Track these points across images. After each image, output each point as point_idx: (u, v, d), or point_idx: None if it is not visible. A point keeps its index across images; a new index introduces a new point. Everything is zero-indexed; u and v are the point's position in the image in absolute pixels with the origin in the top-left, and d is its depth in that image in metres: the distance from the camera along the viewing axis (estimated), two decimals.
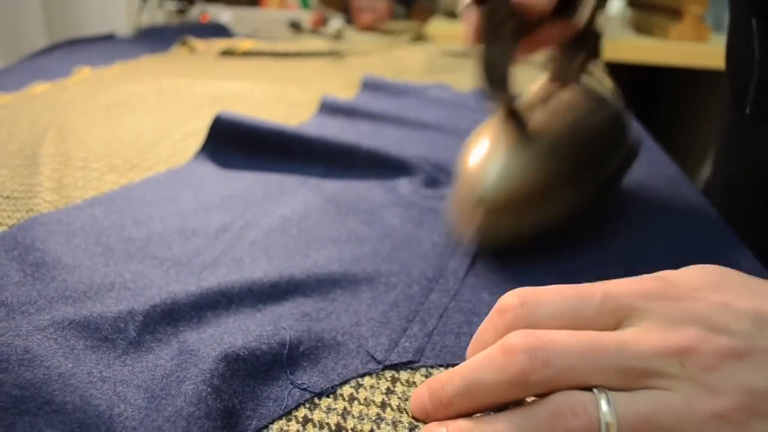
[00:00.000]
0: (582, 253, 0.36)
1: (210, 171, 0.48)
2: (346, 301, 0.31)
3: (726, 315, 0.19)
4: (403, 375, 0.26)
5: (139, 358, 0.25)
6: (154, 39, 1.14)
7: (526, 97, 0.42)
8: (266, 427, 0.23)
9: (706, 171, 0.58)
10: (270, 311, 0.29)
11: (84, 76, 0.82)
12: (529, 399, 0.20)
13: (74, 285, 0.30)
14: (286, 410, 0.23)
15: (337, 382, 0.25)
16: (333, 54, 1.05)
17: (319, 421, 0.23)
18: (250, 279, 0.31)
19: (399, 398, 0.24)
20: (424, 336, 0.28)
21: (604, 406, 0.18)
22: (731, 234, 0.38)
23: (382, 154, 0.48)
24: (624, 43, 1.33)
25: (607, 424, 0.18)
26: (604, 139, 0.39)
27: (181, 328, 0.27)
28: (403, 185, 0.45)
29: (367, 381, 0.25)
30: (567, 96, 0.40)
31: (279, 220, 0.39)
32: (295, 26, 1.38)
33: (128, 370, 0.24)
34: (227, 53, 1.03)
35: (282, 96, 0.74)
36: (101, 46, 1.06)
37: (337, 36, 1.31)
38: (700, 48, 1.28)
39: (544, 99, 0.40)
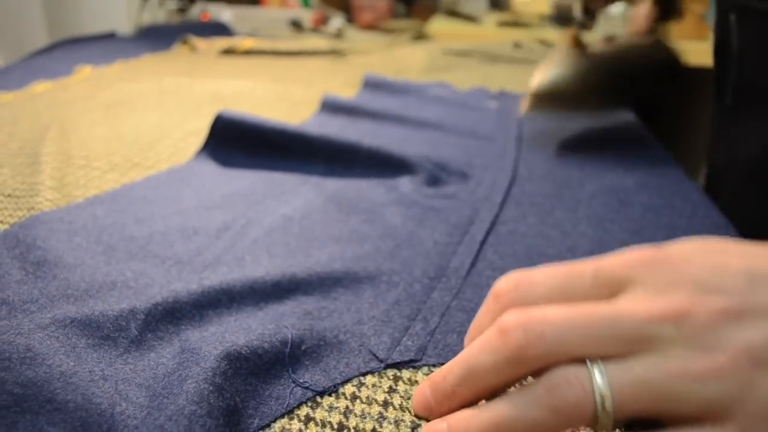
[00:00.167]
0: (583, 255, 0.36)
1: (211, 170, 0.48)
2: (348, 300, 0.31)
3: (718, 275, 0.19)
4: (405, 374, 0.26)
5: (140, 356, 0.25)
6: (155, 38, 1.14)
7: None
8: (268, 425, 0.23)
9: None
10: (272, 310, 0.29)
11: (85, 74, 0.82)
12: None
13: (76, 283, 0.30)
14: (288, 409, 0.23)
15: (339, 381, 0.25)
16: (334, 53, 1.05)
17: (321, 420, 0.23)
18: (251, 278, 0.31)
19: (401, 397, 0.24)
20: (426, 335, 0.28)
21: (597, 377, 0.18)
22: (733, 233, 0.38)
23: (384, 152, 0.48)
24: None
25: (602, 396, 0.18)
26: (641, 67, 0.54)
27: (183, 327, 0.27)
28: (405, 184, 0.45)
29: (369, 380, 0.25)
30: (632, 39, 0.56)
31: (280, 219, 0.39)
32: (296, 25, 1.38)
33: (130, 369, 0.24)
34: (228, 52, 1.03)
35: (283, 95, 0.74)
36: (102, 45, 1.06)
37: (338, 35, 1.31)
38: (701, 47, 1.27)
39: (613, 39, 0.56)
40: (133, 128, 0.58)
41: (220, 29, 1.25)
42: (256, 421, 0.23)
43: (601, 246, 0.37)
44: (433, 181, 0.47)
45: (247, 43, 1.09)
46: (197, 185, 0.44)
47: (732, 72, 0.47)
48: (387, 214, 0.41)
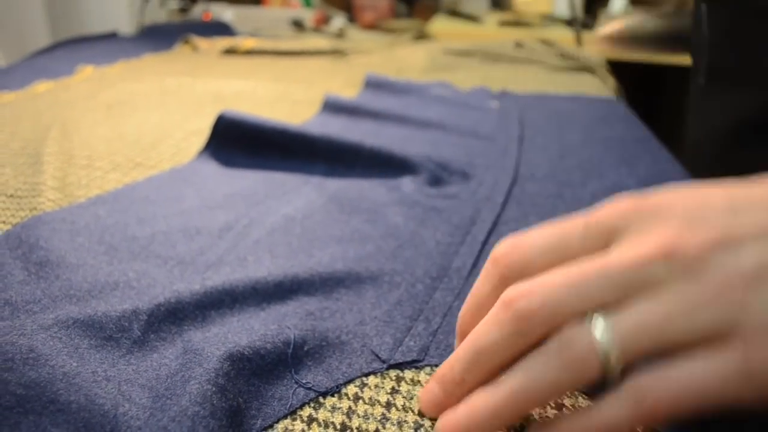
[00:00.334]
0: None
1: (213, 170, 0.48)
2: (350, 300, 0.31)
3: (701, 210, 0.20)
4: (408, 374, 0.26)
5: (143, 357, 0.25)
6: (157, 37, 1.14)
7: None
8: (271, 426, 0.23)
9: None
10: (274, 310, 0.29)
11: (87, 74, 0.82)
12: None
13: (78, 284, 0.30)
14: (291, 409, 0.23)
15: (341, 382, 0.25)
16: (335, 52, 1.05)
17: (323, 421, 0.23)
18: (254, 278, 0.31)
19: (404, 397, 0.24)
20: (429, 335, 0.28)
21: (599, 329, 0.19)
22: None
23: (385, 152, 0.48)
24: None
25: (605, 345, 0.19)
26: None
27: (186, 327, 0.27)
28: (407, 184, 0.45)
29: (372, 380, 0.25)
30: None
31: (282, 219, 0.39)
32: (298, 25, 1.38)
33: (133, 370, 0.24)
34: (230, 52, 1.03)
35: (284, 94, 0.74)
36: (104, 45, 1.06)
37: (340, 34, 1.31)
38: None
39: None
40: (135, 128, 0.58)
41: (221, 29, 1.25)
42: (259, 421, 0.23)
43: None
44: (435, 181, 0.47)
45: (249, 42, 1.09)
46: (199, 185, 0.45)
47: (704, 55, 0.53)
48: (389, 214, 0.41)
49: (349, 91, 0.76)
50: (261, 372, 0.25)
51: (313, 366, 0.26)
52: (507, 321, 0.20)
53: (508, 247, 0.22)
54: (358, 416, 0.23)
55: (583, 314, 0.19)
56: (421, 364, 0.26)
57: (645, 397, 0.19)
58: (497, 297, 0.21)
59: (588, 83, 0.85)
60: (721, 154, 0.54)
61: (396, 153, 0.48)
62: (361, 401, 0.24)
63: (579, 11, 1.45)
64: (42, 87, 0.73)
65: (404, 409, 0.24)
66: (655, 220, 0.20)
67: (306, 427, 0.23)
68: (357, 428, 0.23)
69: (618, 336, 0.19)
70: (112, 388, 0.23)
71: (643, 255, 0.19)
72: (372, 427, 0.23)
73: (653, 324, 0.19)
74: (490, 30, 1.46)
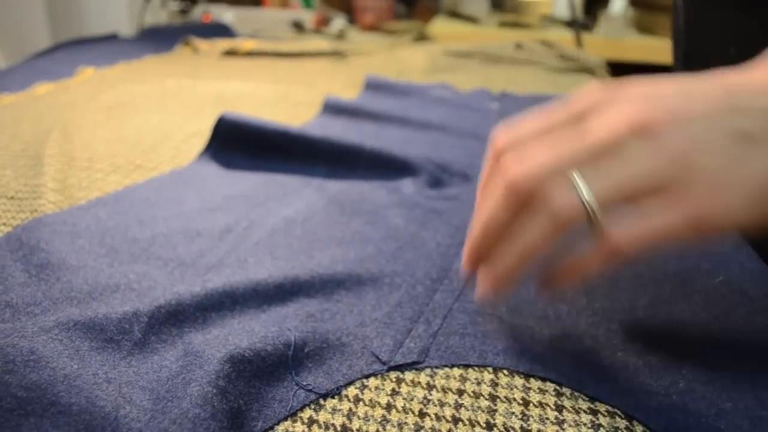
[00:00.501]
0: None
1: (214, 171, 0.48)
2: (351, 302, 0.31)
3: (661, 93, 0.25)
4: (408, 376, 0.26)
5: (144, 359, 0.25)
6: (157, 39, 1.14)
7: None
8: (272, 428, 0.23)
9: None
10: (275, 312, 0.29)
11: (87, 76, 0.83)
12: None
13: (79, 286, 0.30)
14: (292, 411, 0.24)
15: (342, 383, 0.25)
16: (335, 54, 1.05)
17: (324, 422, 0.23)
18: (254, 280, 0.31)
19: (404, 399, 0.24)
20: (429, 336, 0.28)
21: (578, 182, 0.23)
22: (738, 236, 0.38)
23: (386, 154, 0.48)
24: (627, 43, 1.33)
25: (583, 193, 0.23)
26: None
27: (186, 330, 0.27)
28: (407, 185, 0.45)
29: (372, 382, 0.25)
30: None
31: (283, 221, 0.39)
32: (298, 26, 1.38)
33: (133, 372, 0.24)
34: (230, 53, 1.03)
35: (285, 96, 0.74)
36: (104, 47, 1.06)
37: (340, 36, 1.31)
38: None
39: None
40: (135, 130, 0.58)
41: (221, 30, 1.25)
42: (260, 423, 0.23)
43: None
44: (435, 182, 0.47)
45: (249, 44, 1.09)
46: (200, 187, 0.45)
47: (681, 44, 0.56)
48: (389, 216, 0.41)
49: (349, 92, 0.76)
50: (262, 374, 0.25)
51: (314, 368, 0.26)
52: (501, 185, 0.25)
53: (502, 132, 0.27)
54: (359, 418, 0.23)
55: (565, 175, 0.24)
56: (421, 365, 0.26)
57: (612, 238, 0.24)
58: None
59: None
60: None
61: (396, 155, 0.48)
62: (361, 403, 0.24)
63: (579, 12, 1.45)
64: (42, 89, 0.73)
65: (404, 410, 0.24)
66: (622, 102, 0.25)
67: (306, 429, 0.23)
68: (357, 430, 0.23)
69: (592, 185, 0.23)
70: (112, 391, 0.23)
71: (613, 127, 0.24)
72: (372, 428, 0.23)
73: (621, 179, 0.23)
74: (490, 31, 1.46)
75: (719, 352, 0.27)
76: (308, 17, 1.43)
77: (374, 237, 0.38)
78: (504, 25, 1.50)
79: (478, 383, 0.25)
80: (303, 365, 0.26)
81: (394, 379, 0.25)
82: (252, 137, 0.50)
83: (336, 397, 0.24)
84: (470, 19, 1.58)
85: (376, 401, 0.24)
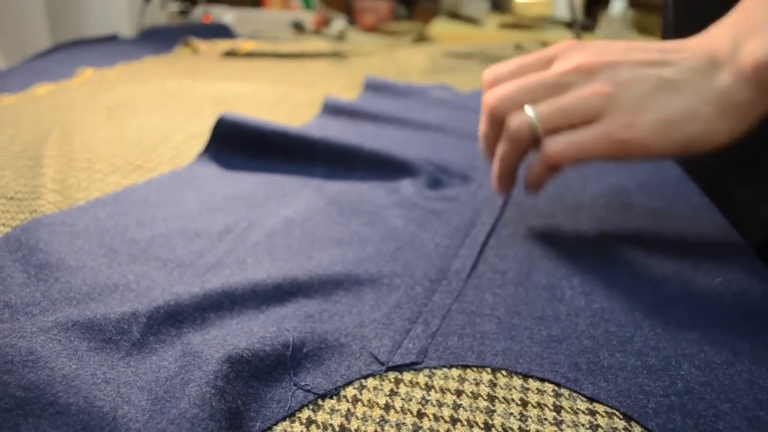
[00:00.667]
0: (584, 256, 0.36)
1: (213, 172, 0.48)
2: (349, 303, 0.31)
3: (610, 48, 0.33)
4: (407, 376, 0.26)
5: (142, 359, 0.25)
6: (157, 40, 1.14)
7: None
8: (270, 428, 0.23)
9: None
10: (273, 313, 0.29)
11: (87, 77, 0.83)
12: None
13: (78, 286, 0.30)
14: (290, 412, 0.24)
15: (340, 384, 0.25)
16: (335, 55, 1.05)
17: (322, 423, 0.23)
18: (253, 280, 0.31)
19: (403, 399, 0.24)
20: (428, 337, 0.28)
21: (530, 112, 0.33)
22: (735, 236, 0.38)
23: (385, 155, 0.48)
24: None
25: (532, 120, 0.33)
26: None
27: (185, 330, 0.27)
28: (406, 186, 0.45)
29: (371, 382, 0.25)
30: None
31: (282, 222, 0.39)
32: (298, 27, 1.38)
33: (132, 372, 0.24)
34: (230, 54, 1.03)
35: (284, 97, 0.74)
36: (104, 47, 1.06)
37: (340, 37, 1.31)
38: None
39: None
40: (135, 131, 0.58)
41: (221, 31, 1.25)
42: (258, 423, 0.23)
43: (602, 247, 0.37)
44: (435, 183, 0.47)
45: (249, 45, 1.09)
46: (199, 188, 0.45)
47: (670, 37, 0.59)
48: (388, 216, 0.41)
49: (349, 93, 0.76)
50: (260, 374, 0.25)
51: (312, 368, 0.26)
52: (485, 113, 0.35)
53: (489, 71, 0.37)
54: (357, 418, 0.23)
55: (522, 104, 0.33)
56: (419, 366, 0.26)
57: (546, 148, 0.32)
58: None
59: None
60: None
61: (395, 155, 0.48)
62: (359, 403, 0.24)
63: (579, 13, 1.45)
64: (42, 89, 0.73)
65: (402, 411, 0.24)
66: (578, 51, 0.34)
67: (305, 429, 0.23)
68: (355, 430, 0.23)
69: (540, 114, 0.32)
70: (111, 391, 0.23)
71: (566, 69, 0.33)
72: (370, 429, 0.23)
73: (561, 106, 0.32)
74: (490, 32, 1.46)
75: (718, 352, 0.27)
76: (308, 18, 1.43)
77: (373, 238, 0.38)
78: (504, 26, 1.50)
79: (477, 384, 0.25)
80: (301, 366, 0.26)
81: (392, 380, 0.25)
82: (251, 138, 0.50)
83: (334, 397, 0.24)
84: (470, 20, 1.58)
85: (374, 402, 0.24)
